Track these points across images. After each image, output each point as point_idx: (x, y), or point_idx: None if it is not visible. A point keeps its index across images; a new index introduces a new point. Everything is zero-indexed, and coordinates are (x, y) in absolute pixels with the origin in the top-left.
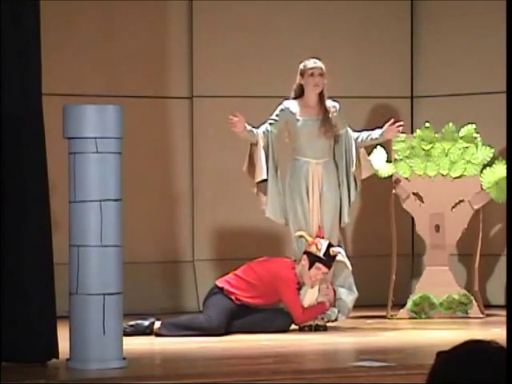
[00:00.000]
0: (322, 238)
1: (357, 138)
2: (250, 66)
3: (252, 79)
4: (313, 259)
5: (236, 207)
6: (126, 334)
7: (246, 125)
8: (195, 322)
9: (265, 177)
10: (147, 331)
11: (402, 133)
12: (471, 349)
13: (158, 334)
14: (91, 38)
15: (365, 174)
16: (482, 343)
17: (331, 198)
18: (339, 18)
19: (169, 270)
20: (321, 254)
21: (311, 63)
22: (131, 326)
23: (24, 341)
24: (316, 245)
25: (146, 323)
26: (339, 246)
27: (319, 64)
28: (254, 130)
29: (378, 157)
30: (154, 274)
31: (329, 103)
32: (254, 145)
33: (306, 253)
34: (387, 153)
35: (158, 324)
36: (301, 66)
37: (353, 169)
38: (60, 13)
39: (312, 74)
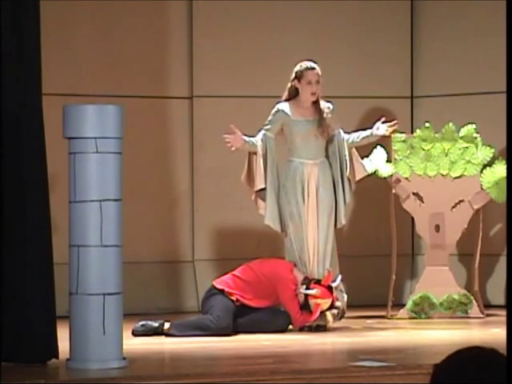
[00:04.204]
0: (331, 284)
1: (348, 139)
2: (249, 66)
3: (252, 79)
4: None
5: (236, 207)
6: (137, 335)
7: (245, 137)
8: (205, 323)
9: (263, 186)
10: (157, 332)
11: (402, 132)
12: (467, 358)
13: (168, 335)
14: (91, 38)
15: (358, 176)
16: (476, 350)
17: (327, 199)
18: (339, 18)
19: (169, 270)
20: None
21: (309, 72)
22: (142, 325)
23: (24, 341)
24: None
25: (156, 324)
26: (340, 277)
27: (317, 71)
28: (252, 139)
29: (378, 157)
30: (154, 274)
31: (323, 104)
32: (252, 153)
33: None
34: (387, 153)
35: (167, 325)
36: (297, 69)
37: (347, 172)
38: (60, 13)
39: (310, 83)
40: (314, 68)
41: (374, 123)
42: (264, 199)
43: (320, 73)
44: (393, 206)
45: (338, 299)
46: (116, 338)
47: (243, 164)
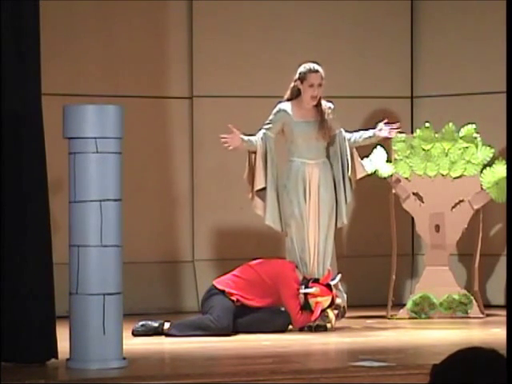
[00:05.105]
0: (329, 282)
1: (349, 139)
2: (249, 66)
3: (252, 79)
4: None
5: (236, 207)
6: (137, 335)
7: (243, 136)
8: (205, 323)
9: (263, 185)
10: (157, 332)
11: (402, 133)
12: (467, 358)
13: (168, 335)
14: (91, 38)
15: (359, 175)
16: (476, 351)
17: (327, 199)
18: (339, 19)
19: (169, 270)
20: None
21: (312, 75)
22: (142, 325)
23: (24, 341)
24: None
25: (156, 324)
26: (339, 274)
27: (320, 74)
28: (251, 139)
29: (378, 157)
30: (154, 273)
31: (324, 104)
32: (252, 152)
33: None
34: (387, 153)
35: (167, 325)
36: (300, 71)
37: (349, 172)
38: (60, 13)
39: (312, 85)
40: (317, 71)
41: (377, 124)
42: (262, 199)
43: (323, 75)
44: (393, 206)
45: (338, 296)
46: (116, 338)
47: (243, 164)
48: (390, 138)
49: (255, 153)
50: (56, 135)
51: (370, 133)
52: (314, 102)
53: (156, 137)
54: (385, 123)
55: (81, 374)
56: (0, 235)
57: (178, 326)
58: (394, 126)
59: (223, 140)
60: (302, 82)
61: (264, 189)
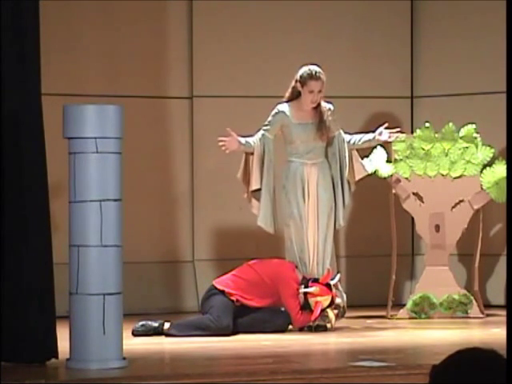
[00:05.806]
0: (329, 281)
1: (349, 141)
2: (250, 66)
3: (252, 79)
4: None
5: (236, 207)
6: (137, 335)
7: (240, 139)
8: (205, 323)
9: (258, 186)
10: (157, 332)
11: (402, 133)
12: (466, 358)
13: (168, 335)
14: (91, 38)
15: (358, 176)
16: (475, 351)
17: (326, 198)
18: (339, 19)
19: (169, 270)
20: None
21: (313, 83)
22: (142, 325)
23: (24, 341)
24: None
25: (156, 324)
26: (338, 273)
27: (320, 80)
28: (249, 140)
29: (378, 157)
30: (154, 274)
31: (323, 105)
32: (249, 153)
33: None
34: (387, 153)
35: (167, 325)
36: (302, 74)
37: (346, 173)
38: (60, 13)
39: (311, 91)
40: (318, 78)
41: (377, 128)
42: (258, 199)
43: (324, 80)
44: (393, 206)
45: (337, 296)
46: (116, 338)
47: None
48: (390, 142)
49: (253, 154)
50: (56, 135)
51: (369, 136)
52: (313, 105)
53: (156, 137)
54: (385, 127)
55: (81, 374)
56: (0, 235)
57: (177, 326)
58: (394, 130)
59: (221, 143)
60: (302, 86)
61: (259, 190)
